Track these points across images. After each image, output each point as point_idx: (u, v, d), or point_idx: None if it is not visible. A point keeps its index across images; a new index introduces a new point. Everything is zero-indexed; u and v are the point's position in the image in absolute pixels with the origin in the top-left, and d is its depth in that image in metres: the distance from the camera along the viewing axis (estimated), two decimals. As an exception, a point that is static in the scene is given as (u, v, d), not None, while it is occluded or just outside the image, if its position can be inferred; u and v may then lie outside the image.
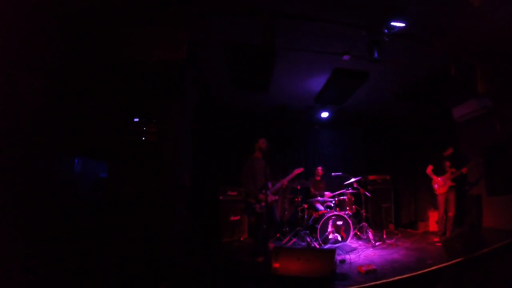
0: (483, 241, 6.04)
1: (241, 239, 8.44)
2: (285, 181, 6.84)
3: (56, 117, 4.69)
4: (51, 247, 4.27)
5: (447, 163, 7.79)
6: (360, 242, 7.87)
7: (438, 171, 7.85)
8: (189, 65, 6.06)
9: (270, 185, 6.48)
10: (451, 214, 7.60)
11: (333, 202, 8.22)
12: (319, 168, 9.48)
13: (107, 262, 4.72)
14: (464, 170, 7.57)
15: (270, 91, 8.44)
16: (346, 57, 6.68)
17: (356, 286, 4.41)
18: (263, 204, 6.15)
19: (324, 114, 10.20)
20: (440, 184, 7.70)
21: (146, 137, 5.37)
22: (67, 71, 4.80)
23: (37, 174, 4.11)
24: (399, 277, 4.75)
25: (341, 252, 6.58)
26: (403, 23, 5.36)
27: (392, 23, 5.38)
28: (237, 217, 8.53)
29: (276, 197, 6.69)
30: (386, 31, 5.57)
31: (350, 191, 8.65)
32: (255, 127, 10.21)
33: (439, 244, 6.93)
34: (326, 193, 8.75)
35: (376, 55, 5.93)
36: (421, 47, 6.43)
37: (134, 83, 5.42)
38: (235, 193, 8.60)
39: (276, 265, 4.46)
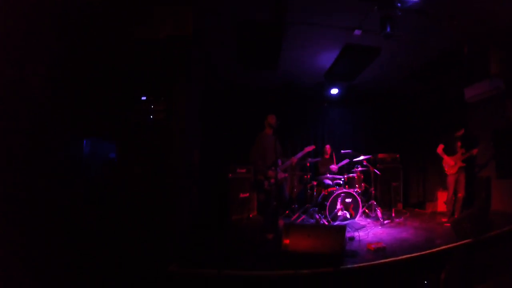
0: (492, 224, 6.05)
1: (250, 216, 8.49)
2: (295, 158, 6.84)
3: (63, 99, 4.69)
4: (62, 227, 4.33)
5: (459, 143, 7.73)
6: (368, 220, 7.93)
7: (449, 151, 7.78)
8: (196, 43, 5.99)
9: (279, 162, 6.48)
10: (460, 195, 7.59)
11: (342, 179, 8.24)
12: (328, 146, 9.47)
13: (117, 242, 4.78)
14: (474, 151, 7.51)
15: (279, 68, 8.33)
16: (357, 32, 6.57)
17: (366, 263, 4.47)
18: (272, 181, 6.17)
19: (334, 91, 10.11)
20: (450, 164, 7.65)
21: (154, 116, 5.36)
22: (72, 51, 4.78)
23: (46, 155, 4.13)
24: (408, 255, 4.79)
25: (350, 230, 6.62)
26: None
27: None
28: (247, 194, 8.55)
29: (286, 175, 6.71)
30: (399, 5, 5.43)
31: (360, 169, 8.66)
32: (264, 105, 10.11)
33: (448, 224, 6.95)
34: (332, 166, 8.76)
35: (388, 29, 5.79)
36: (435, 24, 6.29)
37: (141, 62, 5.38)
38: (244, 170, 8.59)
39: (287, 241, 4.48)
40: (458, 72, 8.59)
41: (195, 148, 6.61)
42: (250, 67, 8.35)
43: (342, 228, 4.64)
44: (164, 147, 5.26)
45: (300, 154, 6.99)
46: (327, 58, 8.09)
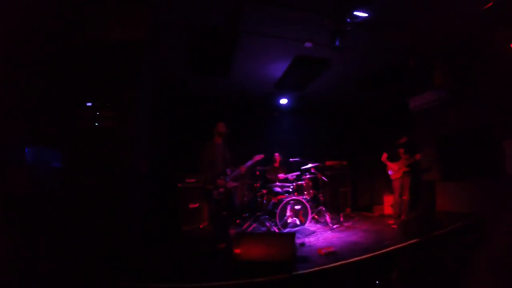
0: (437, 223, 6.31)
1: (201, 226, 8.34)
2: (244, 167, 6.78)
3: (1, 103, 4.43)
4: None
5: (401, 150, 8.03)
6: (318, 226, 7.98)
7: (393, 158, 8.09)
8: (147, 47, 5.81)
9: (229, 171, 6.42)
10: (405, 198, 7.86)
11: (292, 187, 8.29)
12: (277, 154, 9.51)
13: (62, 256, 4.54)
14: (417, 156, 7.81)
15: (231, 76, 8.30)
16: (308, 44, 6.71)
17: (317, 268, 4.46)
18: (221, 190, 6.09)
19: (284, 101, 10.24)
20: (394, 170, 7.94)
21: (100, 123, 5.14)
22: (13, 52, 4.54)
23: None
24: (358, 258, 4.85)
25: (300, 236, 6.66)
26: (366, 13, 5.41)
27: (356, 13, 5.41)
28: (196, 205, 8.38)
29: (236, 184, 6.63)
30: (349, 20, 5.61)
31: (309, 176, 8.75)
32: (215, 112, 9.99)
33: (395, 226, 7.18)
34: (280, 175, 8.81)
35: (337, 43, 5.99)
36: (383, 39, 6.55)
37: (87, 66, 5.16)
38: (193, 180, 8.42)
39: (238, 251, 4.43)
40: (404, 83, 9.03)
41: (144, 157, 6.40)
42: (202, 74, 8.23)
43: (292, 235, 4.64)
44: (111, 156, 5.05)
45: (249, 163, 6.94)
46: (278, 68, 8.17)
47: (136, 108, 5.38)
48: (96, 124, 5.11)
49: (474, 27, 6.52)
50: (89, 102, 5.12)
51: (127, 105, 5.25)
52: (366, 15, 5.45)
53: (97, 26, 4.74)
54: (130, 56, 5.14)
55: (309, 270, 4.38)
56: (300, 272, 4.33)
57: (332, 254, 5.16)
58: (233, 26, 5.37)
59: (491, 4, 5.37)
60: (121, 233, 4.84)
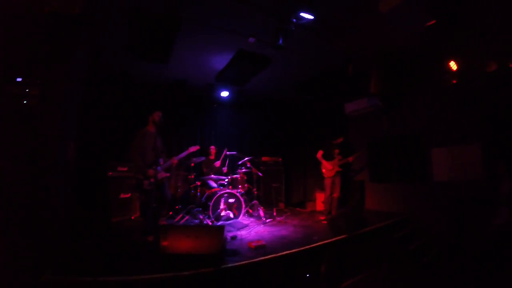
0: (365, 221, 6.56)
1: (132, 218, 8.09)
2: (176, 158, 6.64)
3: None
4: None
5: (336, 151, 8.28)
6: (251, 219, 8.02)
7: (327, 157, 8.30)
8: (83, 25, 5.47)
9: (161, 161, 6.27)
10: (336, 195, 8.11)
11: (226, 180, 8.25)
12: (212, 147, 9.46)
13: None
14: (350, 158, 8.14)
15: (171, 64, 8.02)
16: (251, 40, 6.71)
17: (246, 261, 4.44)
18: (152, 180, 5.93)
19: (224, 94, 10.13)
20: (328, 168, 8.16)
21: (27, 101, 4.79)
22: None
23: None
24: (287, 251, 4.90)
25: (232, 229, 6.63)
26: (312, 15, 5.47)
27: (301, 14, 5.45)
28: (128, 195, 8.10)
29: (167, 174, 6.45)
30: (294, 20, 5.64)
31: (244, 170, 8.76)
32: (152, 100, 9.68)
33: (325, 222, 7.36)
34: (217, 165, 8.78)
35: (280, 41, 6.01)
36: (324, 42, 6.69)
37: (18, 37, 4.79)
38: (125, 169, 8.11)
39: (165, 243, 4.32)
40: (341, 88, 9.39)
41: (71, 141, 6.04)
42: (140, 59, 7.87)
43: (221, 228, 4.59)
44: (35, 137, 4.71)
45: (183, 154, 6.80)
46: (220, 61, 8.08)
47: (66, 87, 5.05)
48: (25, 102, 4.76)
49: (414, 40, 6.89)
50: (18, 78, 4.76)
51: (56, 83, 4.92)
52: (312, 17, 5.52)
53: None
54: (64, 31, 4.84)
55: (237, 263, 4.35)
56: (229, 265, 4.29)
57: (262, 248, 5.17)
58: (174, 11, 5.21)
59: (433, 22, 5.64)
60: (44, 224, 4.56)
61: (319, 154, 8.39)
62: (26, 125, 4.64)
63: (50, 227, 4.61)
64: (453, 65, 6.83)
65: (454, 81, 6.87)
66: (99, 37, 6.81)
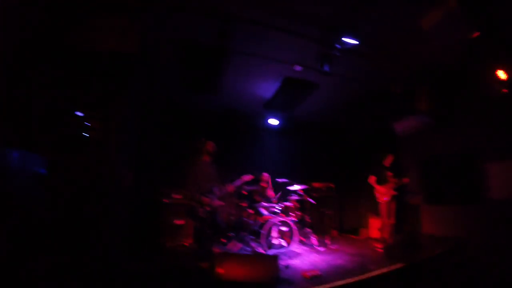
0: (422, 248, 6.29)
1: (186, 244, 8.23)
2: (231, 187, 6.74)
3: None
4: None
5: (389, 173, 8.06)
6: (304, 248, 7.88)
7: (380, 181, 8.09)
8: (140, 61, 5.81)
9: (216, 189, 6.36)
10: (391, 221, 7.85)
11: (278, 208, 8.21)
12: (265, 174, 9.46)
13: (43, 267, 4.43)
14: (405, 180, 7.89)
15: (220, 94, 8.33)
16: (298, 68, 6.81)
17: (301, 292, 4.39)
18: (207, 208, 6.03)
19: (273, 122, 10.27)
20: (382, 193, 7.92)
21: (89, 133, 5.09)
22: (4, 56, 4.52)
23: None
24: (343, 282, 4.77)
25: (285, 257, 6.57)
26: (355, 40, 5.47)
27: (345, 39, 5.47)
28: (182, 221, 8.31)
29: (222, 203, 6.55)
30: (339, 46, 5.67)
31: (295, 197, 8.70)
32: (204, 129, 10.03)
33: (381, 250, 7.11)
34: (270, 193, 8.75)
35: (327, 68, 6.06)
36: (369, 64, 6.66)
37: (80, 75, 5.12)
38: (180, 196, 8.38)
39: (221, 270, 4.36)
40: (389, 107, 9.14)
41: (130, 170, 6.32)
42: (192, 90, 8.24)
43: (275, 257, 4.57)
44: (97, 167, 4.98)
45: (237, 183, 6.90)
46: (267, 89, 8.26)
47: (124, 120, 5.35)
48: (84, 133, 5.05)
49: (459, 55, 6.68)
50: (78, 111, 5.08)
51: (116, 116, 5.22)
52: (356, 42, 5.51)
53: (91, 37, 4.71)
54: (121, 68, 5.13)
55: (292, 293, 4.30)
56: (283, 295, 4.25)
57: (317, 278, 5.06)
58: (223, 45, 5.38)
59: (477, 34, 5.46)
60: (101, 246, 4.74)
61: (372, 179, 8.18)
62: (89, 154, 4.90)
63: (106, 247, 4.79)
64: (501, 74, 6.54)
65: (505, 90, 6.56)
66: (153, 71, 7.13)
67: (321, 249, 7.65)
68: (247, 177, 7.02)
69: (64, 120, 5.02)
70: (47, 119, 4.94)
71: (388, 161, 8.23)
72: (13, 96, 4.59)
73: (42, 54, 4.78)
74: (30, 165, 5.41)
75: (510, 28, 5.75)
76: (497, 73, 6.56)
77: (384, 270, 5.33)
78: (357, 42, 5.60)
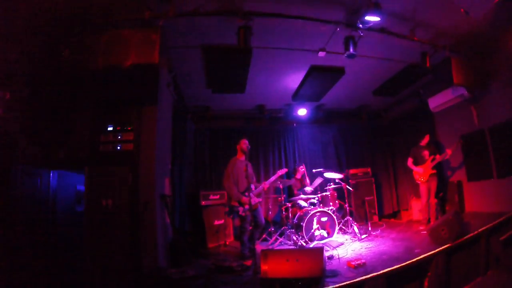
0: (468, 226, 6.14)
1: (227, 243, 8.34)
2: (267, 183, 6.78)
3: (27, 129, 4.57)
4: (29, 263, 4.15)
5: (426, 152, 7.89)
6: (346, 236, 7.86)
7: (418, 161, 7.95)
8: (163, 69, 5.91)
9: (253, 187, 6.41)
10: (433, 201, 7.71)
11: (316, 198, 8.18)
12: (300, 166, 9.42)
13: (90, 278, 4.58)
14: (443, 156, 7.72)
15: (247, 91, 8.35)
16: (322, 54, 6.71)
17: (348, 282, 4.35)
18: (246, 207, 6.08)
19: (302, 112, 10.16)
20: (421, 173, 7.77)
21: (121, 146, 5.22)
22: (37, 79, 4.68)
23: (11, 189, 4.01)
24: (390, 269, 4.71)
25: (328, 248, 6.54)
26: (378, 17, 5.32)
27: (367, 18, 5.34)
28: (221, 221, 8.43)
29: (260, 199, 6.61)
30: (361, 25, 5.55)
31: (333, 186, 8.65)
32: (234, 128, 10.14)
33: (425, 232, 6.96)
34: (307, 187, 8.71)
35: (351, 50, 5.93)
36: (396, 40, 6.46)
37: (107, 91, 5.25)
38: (217, 197, 8.51)
39: (265, 267, 4.37)
40: (421, 84, 8.90)
41: (166, 176, 6.45)
42: (219, 91, 8.32)
43: (320, 250, 4.56)
44: (134, 178, 5.10)
45: (273, 178, 6.94)
46: (293, 80, 8.20)
47: (156, 129, 5.45)
48: (118, 147, 5.19)
49: (487, 22, 6.39)
50: (110, 126, 5.22)
51: (147, 126, 5.34)
52: (378, 19, 5.35)
53: (113, 52, 4.80)
54: (146, 79, 5.21)
55: (339, 285, 4.28)
56: (330, 287, 4.23)
57: (362, 266, 5.03)
58: (245, 43, 5.36)
59: None
60: (146, 253, 4.87)
61: (409, 162, 8.05)
62: (125, 166, 5.03)
63: (151, 254, 4.91)
64: None
65: None
66: (179, 78, 7.20)
67: (363, 236, 7.58)
68: (282, 171, 7.06)
69: (101, 138, 5.18)
70: (82, 137, 5.11)
71: (425, 140, 8.05)
72: (48, 120, 4.79)
73: (69, 74, 4.93)
74: (70, 183, 5.68)
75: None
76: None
77: (430, 253, 5.23)
78: (379, 19, 5.42)
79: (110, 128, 5.27)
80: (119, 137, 5.24)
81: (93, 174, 5.01)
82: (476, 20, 6.07)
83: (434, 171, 7.79)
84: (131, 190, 5.04)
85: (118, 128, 5.28)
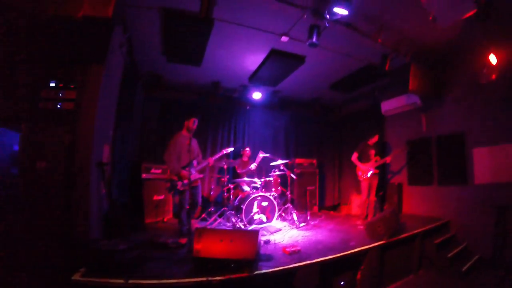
0: (403, 226, 6.34)
1: (165, 220, 8.13)
2: (211, 160, 6.61)
3: None
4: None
5: (372, 151, 8.05)
6: (284, 223, 7.87)
7: (363, 159, 8.06)
8: (116, 28, 5.51)
9: (195, 163, 6.24)
10: (372, 198, 7.90)
11: (260, 183, 8.12)
12: (247, 148, 9.34)
13: (19, 246, 4.28)
14: (388, 159, 7.95)
15: (204, 66, 8.07)
16: (284, 39, 6.62)
17: (281, 267, 4.31)
18: (185, 181, 5.90)
19: (257, 95, 10.02)
20: (364, 171, 7.89)
21: (62, 104, 4.84)
22: None
23: None
24: (323, 258, 4.73)
25: (266, 233, 6.52)
26: (346, 10, 5.25)
27: (335, 9, 5.25)
28: (161, 197, 8.17)
29: (201, 176, 6.45)
30: (328, 16, 5.46)
31: (277, 172, 8.63)
32: (186, 102, 9.83)
33: (361, 227, 7.12)
34: (251, 167, 8.65)
35: (314, 39, 5.86)
36: (360, 38, 6.47)
37: (52, 43, 4.84)
38: (159, 171, 8.22)
39: (198, 246, 4.24)
40: (378, 86, 9.07)
41: (106, 143, 6.11)
42: (174, 61, 7.95)
43: (256, 233, 4.48)
44: (72, 140, 4.77)
45: (217, 155, 6.78)
46: (252, 61, 8.02)
47: (101, 91, 5.10)
48: (59, 106, 4.81)
49: (451, 34, 6.59)
50: (52, 82, 4.83)
51: (92, 87, 4.97)
52: (346, 12, 5.29)
53: (63, 1, 4.44)
54: (97, 34, 4.87)
55: (272, 270, 4.23)
56: (262, 271, 4.17)
57: (296, 253, 5.02)
58: (207, 13, 5.14)
59: (474, 12, 5.28)
60: (78, 225, 4.59)
61: (354, 156, 8.13)
62: (64, 127, 4.70)
63: (83, 226, 4.64)
64: (492, 59, 6.44)
65: (494, 76, 6.49)
66: (133, 39, 6.84)
67: (302, 224, 7.63)
68: (227, 149, 6.92)
69: (41, 94, 4.78)
70: (20, 91, 4.71)
71: (373, 140, 8.18)
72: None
73: (15, 21, 4.53)
74: (3, 141, 5.27)
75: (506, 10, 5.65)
76: (488, 57, 6.45)
77: (364, 247, 5.32)
78: (347, 13, 5.38)
79: (52, 84, 4.85)
80: (61, 94, 4.84)
81: (30, 132, 4.64)
82: (442, 30, 6.18)
83: (377, 171, 7.97)
84: (67, 153, 4.71)
85: (60, 85, 4.85)
